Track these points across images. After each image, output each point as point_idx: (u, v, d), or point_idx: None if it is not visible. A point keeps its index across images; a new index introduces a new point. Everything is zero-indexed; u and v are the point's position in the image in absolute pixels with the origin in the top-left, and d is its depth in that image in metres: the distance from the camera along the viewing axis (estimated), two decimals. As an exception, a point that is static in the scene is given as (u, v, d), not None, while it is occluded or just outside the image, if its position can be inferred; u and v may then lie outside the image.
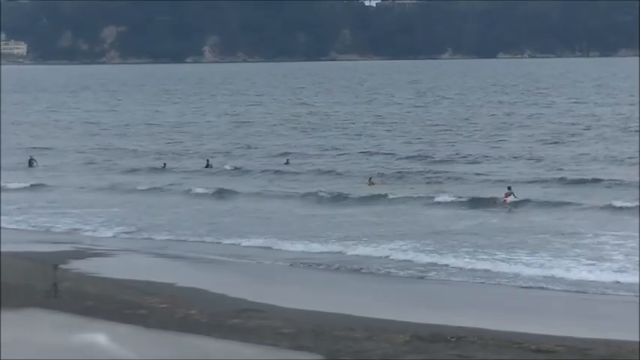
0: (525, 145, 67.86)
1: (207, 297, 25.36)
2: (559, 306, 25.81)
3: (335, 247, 34.62)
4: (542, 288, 28.09)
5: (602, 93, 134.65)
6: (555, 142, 69.95)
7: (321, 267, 31.61)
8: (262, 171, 58.70)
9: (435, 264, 31.50)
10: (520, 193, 45.51)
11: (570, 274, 29.54)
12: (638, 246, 32.98)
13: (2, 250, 30.93)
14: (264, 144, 74.00)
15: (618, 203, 42.30)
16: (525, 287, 28.29)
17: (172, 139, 79.86)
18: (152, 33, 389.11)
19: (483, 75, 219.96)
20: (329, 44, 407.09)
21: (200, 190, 50.53)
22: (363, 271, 30.92)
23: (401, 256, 32.63)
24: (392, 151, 66.72)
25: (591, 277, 29.16)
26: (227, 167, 60.58)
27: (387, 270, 30.88)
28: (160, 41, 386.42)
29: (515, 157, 61.59)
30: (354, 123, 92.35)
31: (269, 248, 35.07)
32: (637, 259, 30.98)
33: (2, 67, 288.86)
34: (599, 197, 44.68)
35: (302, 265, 31.85)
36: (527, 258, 31.85)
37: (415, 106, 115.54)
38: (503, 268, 30.58)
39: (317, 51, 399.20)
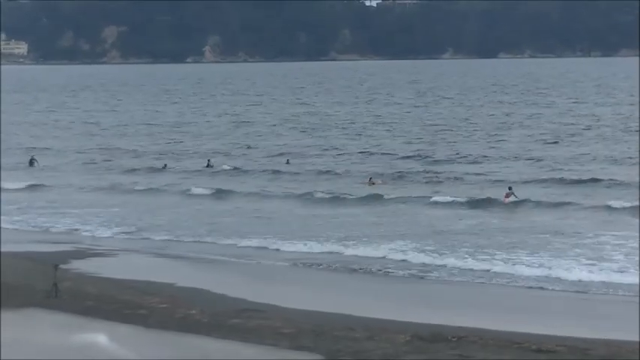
0: (525, 145, 67.85)
1: (207, 297, 25.36)
2: (559, 306, 25.82)
3: (335, 247, 34.58)
4: (542, 288, 28.10)
5: (602, 93, 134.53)
6: (555, 142, 69.93)
7: (321, 267, 31.61)
8: (262, 171, 58.70)
9: (435, 264, 31.49)
10: (520, 193, 45.51)
11: (570, 274, 29.53)
12: (638, 246, 32.97)
13: (2, 250, 30.94)
14: (263, 144, 73.98)
15: (618, 203, 42.25)
16: (525, 287, 28.29)
17: (172, 139, 79.85)
18: (153, 33, 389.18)
19: (483, 75, 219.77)
20: (329, 44, 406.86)
21: (200, 191, 50.50)
22: (363, 271, 30.92)
23: (401, 256, 32.64)
24: (392, 151, 66.72)
25: (591, 277, 29.16)
26: (225, 167, 60.56)
27: (387, 270, 30.88)
28: (160, 41, 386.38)
29: (515, 157, 61.57)
30: (353, 123, 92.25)
31: (269, 248, 35.05)
32: (637, 259, 30.98)
33: (2, 67, 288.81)
34: (599, 197, 44.65)
35: (302, 265, 31.86)
36: (527, 258, 31.82)
37: (415, 106, 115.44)
38: (503, 268, 30.58)
39: (317, 51, 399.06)
